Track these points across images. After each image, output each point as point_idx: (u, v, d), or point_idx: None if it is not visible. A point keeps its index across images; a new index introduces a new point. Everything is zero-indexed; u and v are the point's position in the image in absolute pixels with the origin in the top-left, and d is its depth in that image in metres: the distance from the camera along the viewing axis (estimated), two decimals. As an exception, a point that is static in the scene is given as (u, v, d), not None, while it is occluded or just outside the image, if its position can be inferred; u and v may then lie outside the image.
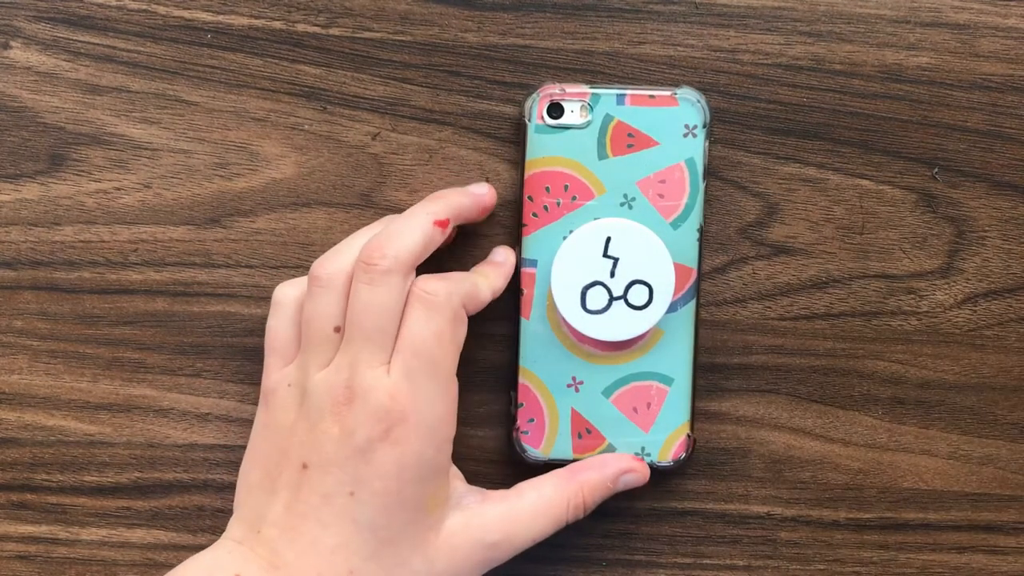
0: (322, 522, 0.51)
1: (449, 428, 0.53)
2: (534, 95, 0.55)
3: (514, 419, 0.57)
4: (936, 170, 0.58)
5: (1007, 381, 0.58)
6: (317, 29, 0.57)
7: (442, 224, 0.53)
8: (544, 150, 0.55)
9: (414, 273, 0.52)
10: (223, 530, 0.57)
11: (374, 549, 0.51)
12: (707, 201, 0.57)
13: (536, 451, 0.57)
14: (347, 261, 0.53)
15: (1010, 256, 0.58)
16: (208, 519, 0.58)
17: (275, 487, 0.52)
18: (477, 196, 0.56)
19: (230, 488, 0.58)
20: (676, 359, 0.57)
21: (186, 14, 0.57)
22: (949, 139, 0.57)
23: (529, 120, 0.55)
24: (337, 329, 0.52)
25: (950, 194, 0.58)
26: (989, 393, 0.59)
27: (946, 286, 0.58)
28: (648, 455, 0.57)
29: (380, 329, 0.51)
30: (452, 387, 0.53)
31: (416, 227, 0.53)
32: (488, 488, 0.55)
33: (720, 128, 0.57)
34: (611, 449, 0.57)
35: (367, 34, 0.57)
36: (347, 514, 0.51)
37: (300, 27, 0.57)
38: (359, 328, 0.51)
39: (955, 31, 0.57)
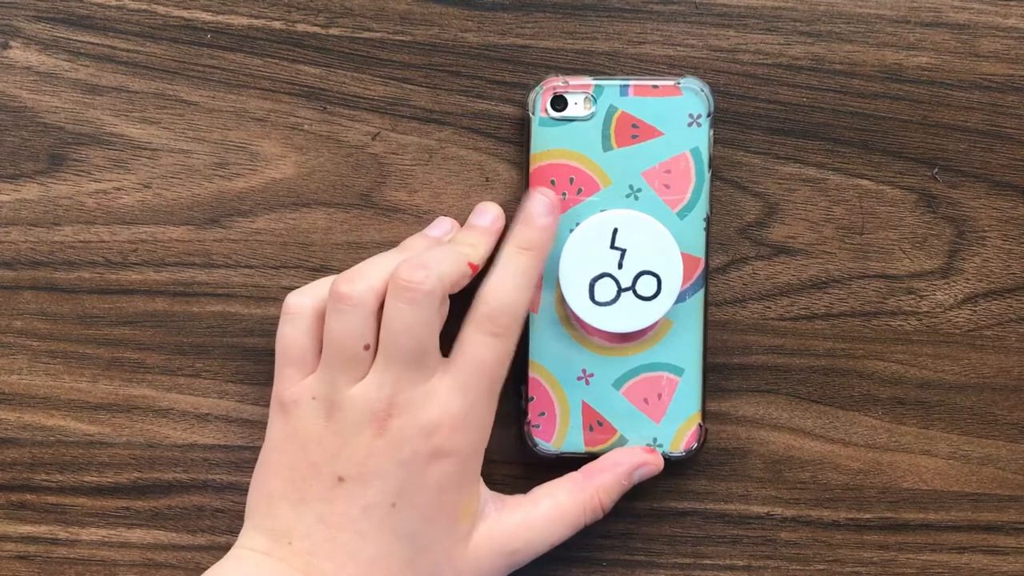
0: (361, 533, 0.51)
1: (488, 438, 0.53)
2: (537, 88, 0.55)
3: (525, 413, 0.57)
4: (936, 170, 0.58)
5: (1007, 381, 0.59)
6: (317, 29, 0.57)
7: (473, 268, 0.53)
8: (549, 143, 0.55)
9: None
10: (223, 530, 0.57)
11: (411, 559, 0.51)
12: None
13: (547, 445, 0.57)
14: (375, 280, 0.52)
15: (1010, 256, 0.58)
16: (208, 519, 0.58)
17: (304, 499, 0.52)
18: (497, 233, 0.55)
19: (230, 488, 0.58)
20: (686, 349, 0.56)
21: (186, 14, 0.57)
22: (949, 139, 0.57)
23: (533, 113, 0.55)
24: (367, 347, 0.52)
25: (950, 194, 0.58)
26: (989, 393, 0.59)
27: (946, 286, 0.58)
28: (660, 446, 0.57)
29: (421, 349, 0.51)
30: (497, 399, 0.53)
31: (456, 259, 0.53)
32: (498, 489, 0.55)
33: (720, 128, 0.57)
34: (623, 441, 0.57)
35: (367, 34, 0.57)
36: (387, 525, 0.51)
37: (300, 27, 0.57)
38: (399, 349, 0.51)
39: (955, 31, 0.57)
